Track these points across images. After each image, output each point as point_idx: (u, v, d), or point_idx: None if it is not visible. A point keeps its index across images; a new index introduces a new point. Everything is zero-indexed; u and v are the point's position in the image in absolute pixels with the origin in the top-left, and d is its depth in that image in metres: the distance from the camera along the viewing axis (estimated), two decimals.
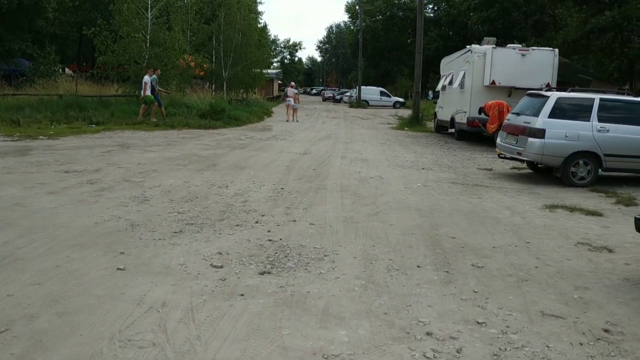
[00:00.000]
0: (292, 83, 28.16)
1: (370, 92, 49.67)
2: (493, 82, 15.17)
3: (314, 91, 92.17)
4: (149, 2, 21.85)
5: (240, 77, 29.44)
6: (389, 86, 59.52)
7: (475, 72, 15.57)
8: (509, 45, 16.33)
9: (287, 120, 24.76)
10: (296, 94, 25.66)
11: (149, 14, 21.87)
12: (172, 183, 8.44)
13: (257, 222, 6.26)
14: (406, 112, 36.20)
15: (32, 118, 15.83)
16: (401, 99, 50.70)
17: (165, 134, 15.51)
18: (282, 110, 33.05)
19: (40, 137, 13.20)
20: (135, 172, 9.27)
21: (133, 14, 21.25)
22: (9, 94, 20.13)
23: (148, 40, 21.81)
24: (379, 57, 70.68)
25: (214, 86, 31.15)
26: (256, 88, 36.90)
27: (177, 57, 22.45)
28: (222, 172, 9.54)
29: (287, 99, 25.25)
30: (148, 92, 17.72)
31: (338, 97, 62.56)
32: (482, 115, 14.87)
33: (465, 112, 16.01)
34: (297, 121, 24.91)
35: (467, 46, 16.76)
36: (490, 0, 53.19)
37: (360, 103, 46.84)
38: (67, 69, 49.69)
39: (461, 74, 16.71)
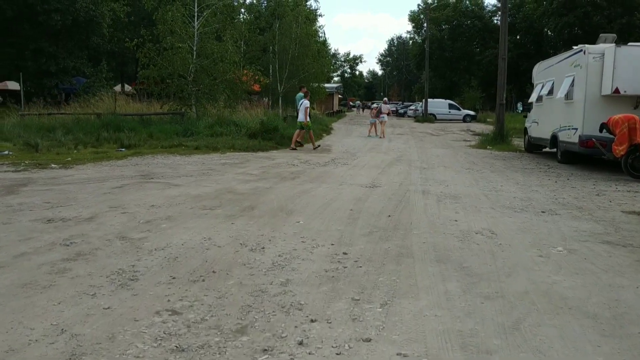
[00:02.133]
0: (385, 99, 27.29)
1: (438, 105, 46.20)
2: (616, 90, 11.73)
3: (374, 105, 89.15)
4: (196, 10, 19.70)
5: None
6: (456, 98, 55.67)
7: (589, 78, 12.18)
8: (630, 43, 12.86)
9: (381, 137, 23.25)
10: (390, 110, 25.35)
11: (196, 23, 19.72)
12: (185, 242, 5.76)
13: (300, 343, 3.44)
14: (480, 127, 32.77)
15: (56, 141, 13.78)
16: (472, 112, 46.83)
17: (203, 159, 13.00)
18: (342, 127, 30.47)
19: (52, 165, 10.96)
20: (141, 220, 6.66)
21: (178, 22, 19.15)
22: (44, 113, 18.40)
23: (195, 52, 19.65)
24: (444, 67, 67.13)
25: (269, 102, 28.86)
26: (315, 103, 34.46)
27: (227, 69, 20.12)
28: (261, 221, 6.78)
29: (382, 115, 24.21)
30: (305, 117, 16.63)
31: (402, 110, 59.21)
32: (604, 134, 11.49)
33: (576, 128, 12.61)
34: (381, 137, 23.40)
35: (575, 46, 13.37)
36: (568, 4, 48.85)
37: (427, 117, 43.49)
38: (127, 87, 49.21)
39: (567, 81, 13.32)
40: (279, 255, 5.38)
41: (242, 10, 43.50)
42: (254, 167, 11.91)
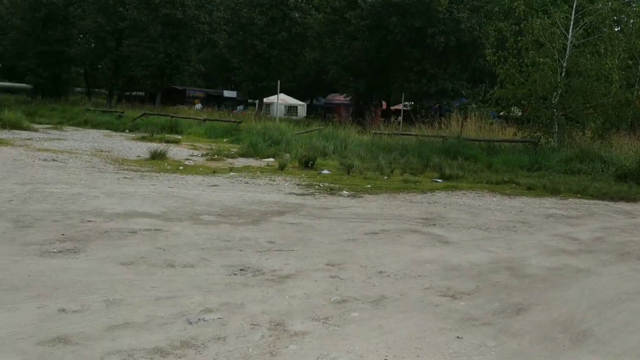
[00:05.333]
0: None
1: None
2: None
3: None
4: (572, 17, 16.16)
5: None
6: None
7: None
8: None
9: None
10: None
11: (570, 33, 16.17)
12: None
13: None
14: None
15: (375, 163, 12.91)
16: None
17: (527, 204, 9.78)
18: None
19: (344, 192, 9.79)
20: (335, 297, 4.60)
21: (547, 32, 16.03)
22: (391, 133, 18.10)
23: (564, 69, 16.15)
24: None
25: None
26: None
27: (605, 90, 15.85)
28: (507, 349, 3.79)
29: None
30: None
31: None
32: None
33: None
34: None
35: None
36: None
37: None
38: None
39: None
40: None
41: None
42: (591, 227, 8.19)
